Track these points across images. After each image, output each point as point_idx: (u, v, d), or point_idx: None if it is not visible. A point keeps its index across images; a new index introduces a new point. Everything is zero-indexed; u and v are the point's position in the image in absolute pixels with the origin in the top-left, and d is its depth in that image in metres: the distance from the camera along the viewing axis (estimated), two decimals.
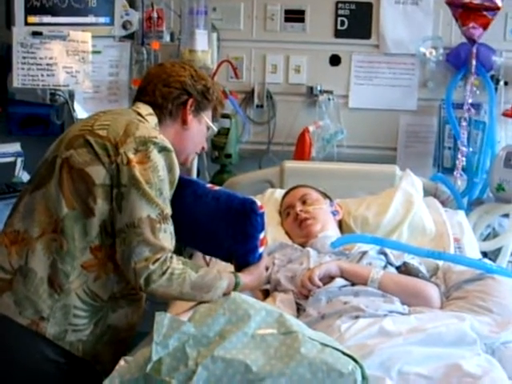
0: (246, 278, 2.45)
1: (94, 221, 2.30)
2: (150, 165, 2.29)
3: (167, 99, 2.50)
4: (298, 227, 3.05)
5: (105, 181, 2.29)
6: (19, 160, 3.79)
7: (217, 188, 2.57)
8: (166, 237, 2.29)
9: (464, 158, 3.77)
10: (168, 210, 2.32)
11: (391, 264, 2.76)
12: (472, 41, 3.68)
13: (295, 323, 2.05)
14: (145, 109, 2.49)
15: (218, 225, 2.46)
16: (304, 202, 3.12)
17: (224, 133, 3.90)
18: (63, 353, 2.33)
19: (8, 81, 3.76)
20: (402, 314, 2.46)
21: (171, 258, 2.28)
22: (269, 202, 3.37)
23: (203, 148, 2.70)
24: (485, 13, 3.53)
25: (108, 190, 2.30)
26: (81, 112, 3.75)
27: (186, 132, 2.55)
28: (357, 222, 3.21)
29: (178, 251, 3.63)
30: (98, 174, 2.30)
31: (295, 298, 2.63)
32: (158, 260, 2.24)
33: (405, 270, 2.75)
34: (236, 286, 2.40)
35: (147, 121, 2.45)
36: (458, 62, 3.89)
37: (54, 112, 3.92)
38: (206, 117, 2.61)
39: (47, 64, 3.63)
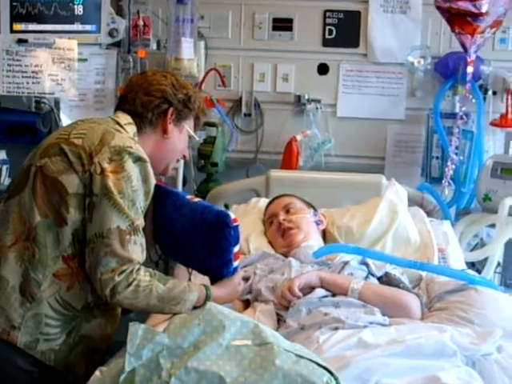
0: (217, 290, 2.40)
1: (67, 230, 2.28)
2: (124, 175, 2.26)
3: (147, 108, 2.48)
4: (281, 236, 3.04)
5: (78, 190, 2.27)
6: (4, 168, 3.80)
7: (196, 200, 2.53)
8: (136, 249, 2.26)
9: (453, 167, 3.74)
10: (139, 222, 2.30)
11: (373, 274, 2.74)
12: (464, 48, 3.64)
13: (271, 334, 2.03)
14: (124, 118, 2.47)
15: (194, 237, 2.43)
16: (287, 211, 3.11)
17: (210, 141, 3.87)
18: (35, 362, 2.31)
19: None
20: (383, 325, 2.44)
21: (138, 269, 2.24)
22: (253, 210, 3.37)
23: (184, 156, 2.67)
24: (470, 19, 3.48)
25: (81, 199, 2.28)
26: (66, 120, 3.72)
27: (166, 141, 2.53)
28: (341, 231, 3.19)
29: (165, 261, 3.70)
30: (72, 182, 2.28)
31: (276, 308, 2.61)
32: (124, 272, 2.22)
33: (386, 280, 2.73)
34: (207, 299, 2.34)
35: (125, 130, 2.42)
36: (446, 71, 3.87)
37: (40, 120, 3.88)
38: (188, 126, 2.59)
39: (33, 71, 3.63)
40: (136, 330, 2.00)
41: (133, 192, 2.27)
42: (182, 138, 2.58)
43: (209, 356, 1.93)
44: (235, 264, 2.43)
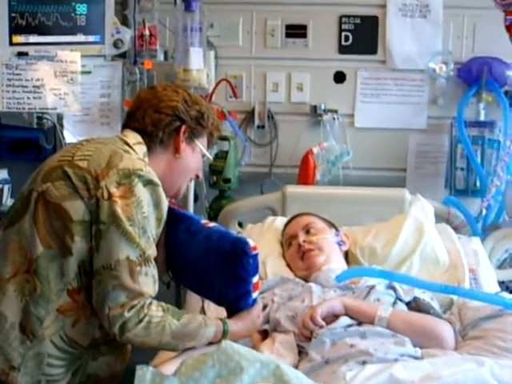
0: (235, 325, 2.25)
1: (72, 261, 2.12)
2: (134, 200, 2.10)
3: (158, 127, 2.33)
4: (301, 259, 2.87)
5: (83, 217, 2.11)
6: (6, 187, 3.65)
7: (211, 225, 2.37)
8: (147, 281, 2.10)
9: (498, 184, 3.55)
10: (151, 251, 2.14)
11: (401, 300, 2.59)
12: None
13: (294, 376, 1.88)
14: (133, 137, 2.32)
15: (210, 266, 2.27)
16: (308, 232, 2.94)
17: (222, 156, 3.71)
18: None
19: None
20: (415, 357, 2.28)
21: (150, 304, 2.09)
22: (269, 231, 3.20)
23: (197, 176, 2.52)
24: None
25: (87, 227, 2.12)
26: (70, 136, 3.58)
27: (178, 161, 2.37)
28: (364, 252, 3.03)
29: (177, 283, 3.52)
30: (76, 209, 2.11)
31: (296, 339, 2.45)
32: (134, 307, 2.06)
33: (415, 306, 2.58)
34: (224, 334, 2.20)
35: (134, 151, 2.27)
36: (470, 77, 3.71)
37: (43, 136, 3.73)
38: (201, 144, 2.43)
39: (34, 86, 3.45)
40: (143, 374, 1.86)
41: (143, 219, 2.12)
42: (195, 157, 2.43)
43: None
44: (254, 295, 2.27)
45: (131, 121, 2.37)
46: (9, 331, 2.12)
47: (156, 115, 2.33)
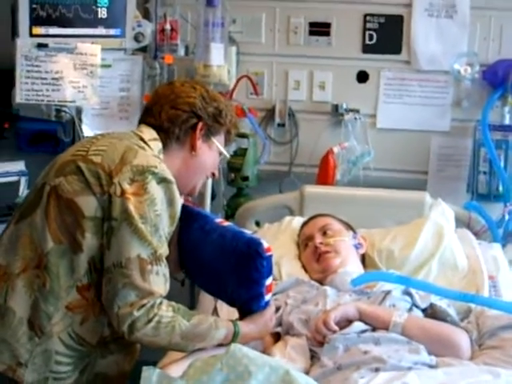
0: (247, 327, 2.22)
1: (82, 257, 2.08)
2: (147, 197, 2.07)
3: (174, 123, 2.29)
4: (316, 261, 2.81)
5: (96, 213, 2.08)
6: (23, 179, 3.61)
7: (226, 224, 2.33)
8: (158, 280, 2.06)
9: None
10: (163, 250, 2.10)
11: (417, 306, 2.53)
12: None
13: (304, 382, 1.82)
14: (149, 133, 2.28)
15: (223, 266, 2.24)
16: (324, 234, 2.89)
17: (241, 154, 3.67)
18: None
19: (12, 95, 3.54)
20: (429, 365, 2.23)
21: (160, 303, 2.05)
22: (286, 231, 3.15)
23: (213, 174, 2.47)
24: None
25: (99, 223, 2.08)
26: (88, 130, 3.53)
27: (194, 159, 2.33)
28: (381, 255, 2.98)
29: (191, 287, 3.49)
30: (88, 205, 2.08)
31: (309, 344, 2.39)
32: (143, 306, 2.02)
33: (432, 312, 2.51)
34: (235, 336, 2.17)
35: (150, 147, 2.23)
36: (495, 80, 3.66)
37: (62, 129, 3.70)
38: (218, 142, 2.39)
39: (53, 78, 3.41)
40: (150, 376, 1.82)
41: (156, 217, 2.08)
42: (211, 154, 2.39)
43: None
44: (267, 298, 2.23)
45: (147, 116, 2.34)
46: (17, 327, 2.09)
47: (173, 111, 2.29)
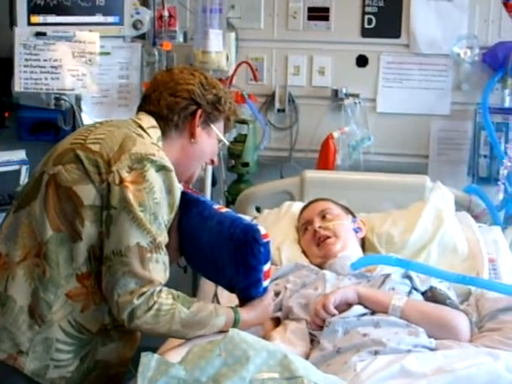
0: (247, 313, 2.21)
1: (81, 245, 2.08)
2: (146, 185, 2.06)
3: (173, 110, 2.28)
4: (316, 246, 2.82)
5: (94, 201, 2.08)
6: (24, 168, 3.60)
7: (224, 210, 2.32)
8: (158, 268, 2.06)
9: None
10: (162, 238, 2.10)
11: (416, 289, 2.54)
12: None
13: (301, 366, 1.83)
14: (147, 121, 2.27)
15: (220, 253, 2.23)
16: (324, 218, 2.89)
17: (241, 140, 3.66)
18: None
19: (12, 84, 3.54)
20: (428, 348, 2.23)
21: (160, 291, 2.05)
22: (285, 216, 3.15)
23: (212, 161, 2.47)
24: None
25: (98, 211, 2.08)
26: (88, 118, 3.53)
27: (193, 146, 2.32)
28: (381, 239, 2.97)
29: (194, 273, 3.49)
30: (87, 193, 2.08)
31: (308, 328, 2.40)
32: (143, 294, 2.02)
33: (431, 295, 2.52)
34: (235, 323, 2.16)
35: (148, 134, 2.22)
36: (496, 62, 3.63)
37: (62, 117, 3.70)
38: (217, 129, 2.38)
39: (51, 66, 3.41)
40: (148, 361, 1.82)
41: (155, 205, 2.07)
42: (210, 142, 2.38)
43: None
44: (265, 284, 2.23)
45: (146, 103, 2.33)
46: (17, 315, 2.09)
47: (172, 99, 2.28)
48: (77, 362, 2.14)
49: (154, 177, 2.08)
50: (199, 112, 2.30)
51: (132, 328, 2.08)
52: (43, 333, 2.09)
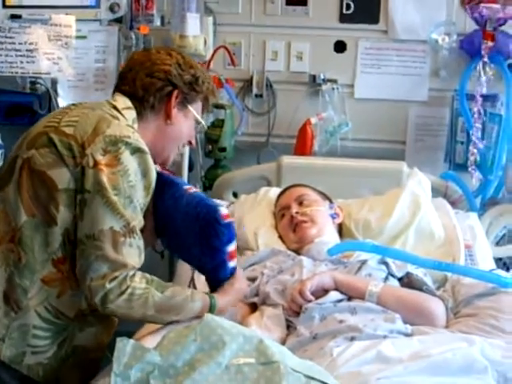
0: (222, 299, 2.20)
1: (56, 230, 2.06)
2: (120, 168, 2.03)
3: (149, 91, 2.25)
4: (293, 231, 2.80)
5: (69, 185, 2.05)
6: None
7: (192, 191, 2.30)
8: (132, 252, 2.04)
9: (474, 151, 3.50)
10: (137, 222, 2.07)
11: (393, 275, 2.53)
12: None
13: (278, 351, 1.82)
14: (122, 102, 2.24)
15: (188, 233, 2.22)
16: (301, 204, 2.88)
17: (218, 125, 3.64)
18: (21, 377, 2.10)
19: None
20: (404, 334, 2.24)
21: (133, 275, 2.02)
22: (262, 201, 3.14)
23: (190, 143, 2.44)
24: None
25: (72, 195, 2.05)
26: (64, 102, 3.48)
27: (169, 127, 2.29)
28: (358, 225, 2.97)
29: (171, 259, 3.47)
30: (61, 177, 2.05)
31: (285, 314, 2.39)
32: (116, 278, 2.00)
33: (408, 282, 2.52)
34: (211, 309, 2.15)
35: (123, 116, 2.19)
36: (473, 49, 3.61)
37: (37, 101, 3.64)
38: (195, 110, 2.35)
39: (27, 50, 3.37)
40: (124, 346, 1.81)
41: (130, 188, 2.05)
42: (187, 123, 2.35)
43: (206, 377, 1.74)
44: (231, 264, 2.23)
45: (122, 83, 2.29)
46: None
47: (148, 79, 2.25)
48: (54, 348, 2.12)
49: (128, 159, 2.05)
50: (175, 93, 2.27)
51: (106, 313, 2.06)
52: (19, 319, 2.07)
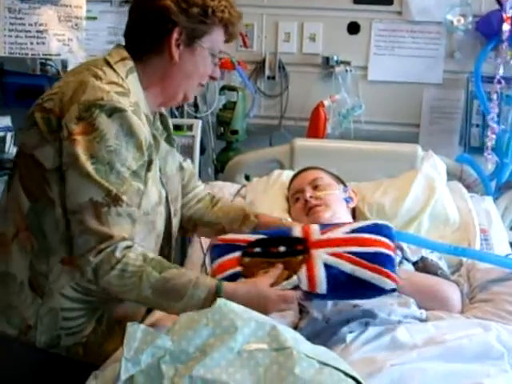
0: (231, 289, 1.98)
1: (59, 211, 1.98)
2: (96, 134, 1.89)
3: (146, 32, 2.08)
4: (306, 215, 2.75)
5: (54, 163, 1.95)
6: (9, 135, 3.57)
7: None
8: (120, 221, 1.91)
9: (493, 137, 3.46)
10: (124, 188, 1.93)
11: (407, 259, 2.50)
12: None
13: (290, 337, 1.78)
14: (117, 54, 2.08)
15: None
16: (315, 187, 2.82)
17: (230, 107, 3.63)
18: (62, 360, 2.08)
19: None
20: (419, 319, 2.21)
21: (126, 249, 1.90)
22: (275, 185, 3.11)
23: (213, 78, 2.23)
24: None
25: (60, 173, 1.95)
26: None
27: (176, 67, 2.10)
28: (372, 209, 2.93)
29: (182, 243, 3.43)
30: (47, 156, 1.95)
31: (298, 298, 2.34)
32: (102, 251, 1.88)
33: (422, 266, 2.50)
34: (217, 293, 1.94)
35: (114, 70, 2.03)
36: (489, 30, 3.59)
37: (48, 83, 3.61)
38: (212, 42, 2.12)
39: (37, 31, 3.37)
40: (134, 331, 1.76)
41: (109, 153, 1.90)
42: (197, 60, 2.12)
43: (218, 362, 1.69)
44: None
45: (126, 28, 2.14)
46: (20, 291, 2.05)
47: (145, 19, 2.08)
48: (92, 325, 2.10)
49: (105, 123, 1.91)
50: (176, 30, 2.06)
51: (104, 290, 1.95)
52: (46, 304, 2.04)
